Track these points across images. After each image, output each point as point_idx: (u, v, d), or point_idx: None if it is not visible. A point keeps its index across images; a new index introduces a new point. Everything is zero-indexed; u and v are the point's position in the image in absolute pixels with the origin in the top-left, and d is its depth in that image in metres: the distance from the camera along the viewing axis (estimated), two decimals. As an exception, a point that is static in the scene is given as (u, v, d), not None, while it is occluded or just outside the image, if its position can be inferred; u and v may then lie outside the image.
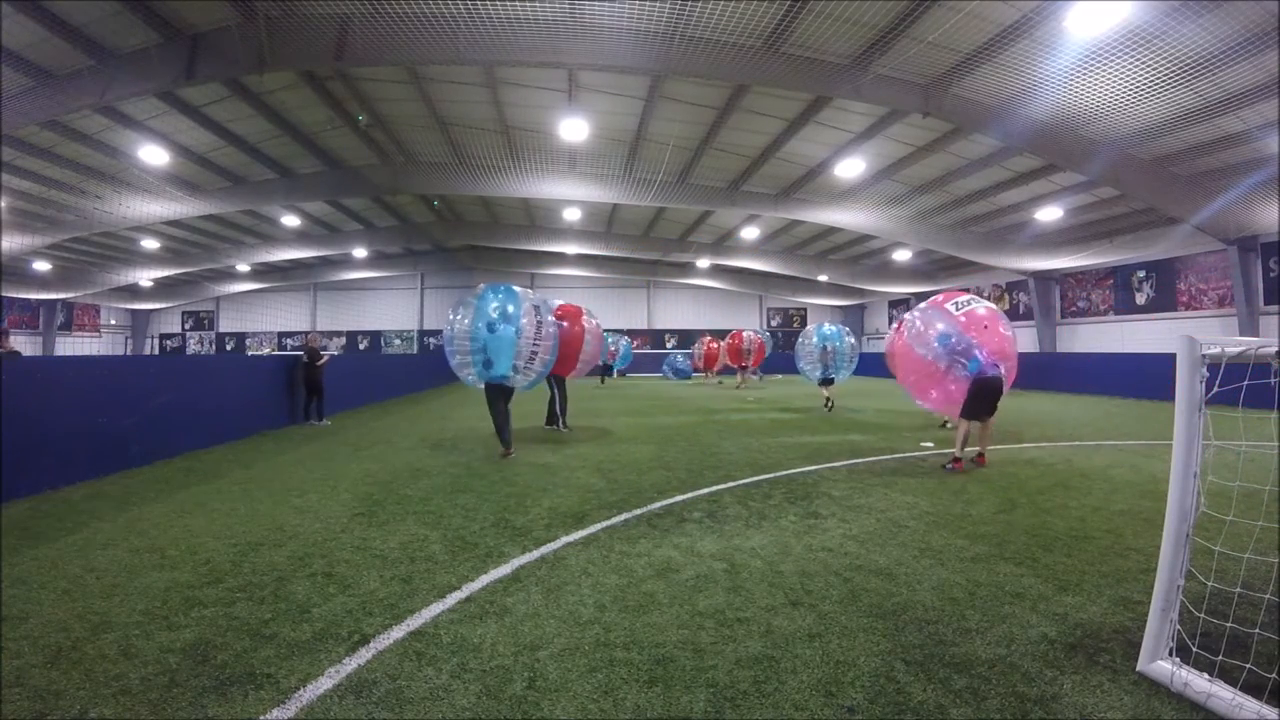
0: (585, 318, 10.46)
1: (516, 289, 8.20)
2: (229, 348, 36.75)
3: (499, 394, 7.86)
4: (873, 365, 31.96)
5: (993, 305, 7.59)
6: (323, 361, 11.50)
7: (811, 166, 15.92)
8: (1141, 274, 20.34)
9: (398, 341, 36.28)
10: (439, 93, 13.15)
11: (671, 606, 3.33)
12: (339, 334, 36.42)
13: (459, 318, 7.97)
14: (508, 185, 17.08)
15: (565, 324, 9.58)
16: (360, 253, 29.05)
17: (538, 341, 7.90)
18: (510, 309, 7.79)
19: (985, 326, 7.23)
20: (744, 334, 24.54)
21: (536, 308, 8.15)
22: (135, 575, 3.74)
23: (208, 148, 15.20)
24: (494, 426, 7.96)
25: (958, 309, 7.43)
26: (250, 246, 25.97)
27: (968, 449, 7.28)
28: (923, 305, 8.00)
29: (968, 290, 7.78)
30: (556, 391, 10.44)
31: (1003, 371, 7.19)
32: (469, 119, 14.38)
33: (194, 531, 4.65)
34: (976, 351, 7.13)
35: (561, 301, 10.65)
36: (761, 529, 4.77)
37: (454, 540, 4.46)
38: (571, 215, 22.72)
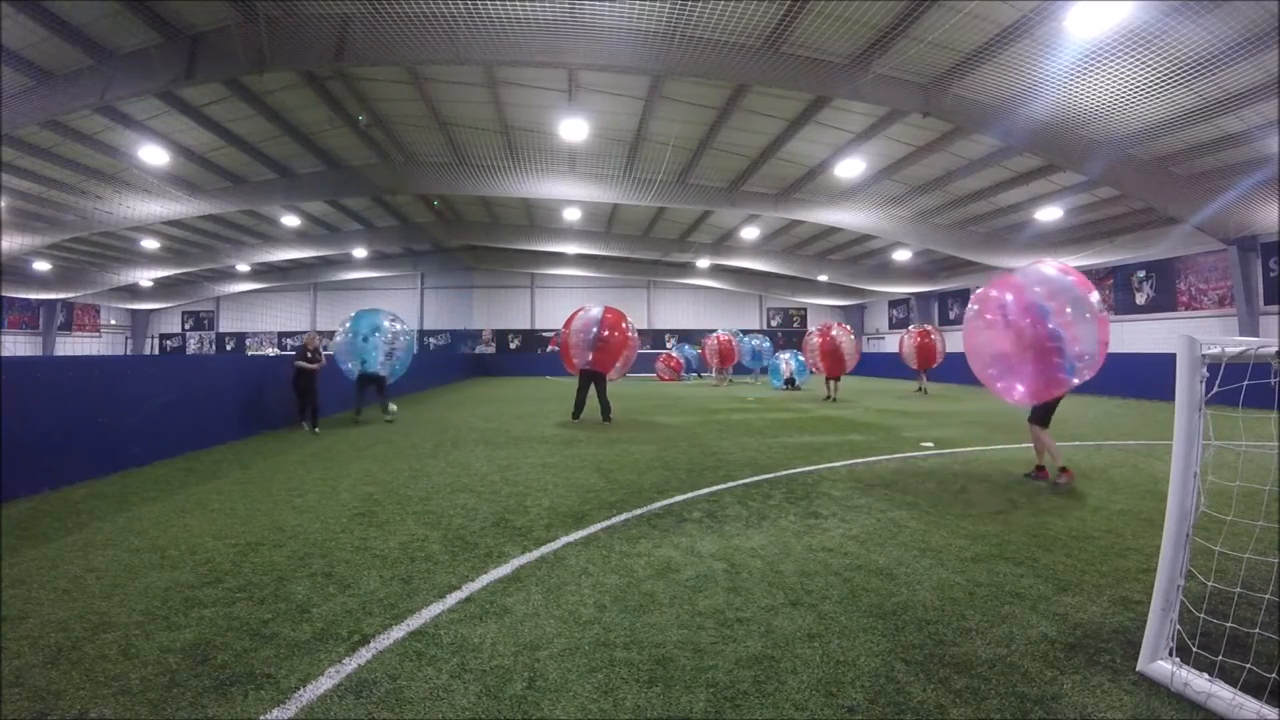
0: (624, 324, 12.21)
1: (379, 311, 12.46)
2: (229, 348, 36.75)
3: (369, 380, 11.88)
4: (873, 365, 32.11)
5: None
6: (320, 365, 10.61)
7: (811, 166, 15.91)
8: (1141, 274, 20.34)
9: (398, 341, 36.25)
10: (439, 92, 13.15)
11: (671, 606, 3.33)
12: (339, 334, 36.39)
13: (340, 335, 12.11)
14: (508, 185, 17.08)
15: (609, 333, 11.92)
16: (360, 253, 29.05)
17: (393, 346, 12.15)
18: (375, 326, 11.97)
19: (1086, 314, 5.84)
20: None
21: (393, 322, 12.37)
22: (135, 575, 3.74)
23: (207, 148, 15.20)
24: (355, 401, 12.00)
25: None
26: (250, 246, 25.97)
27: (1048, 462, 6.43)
28: (1040, 269, 6.35)
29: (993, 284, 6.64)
30: (597, 389, 11.85)
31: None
32: (469, 119, 14.38)
33: (194, 531, 4.65)
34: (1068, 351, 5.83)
35: (604, 306, 12.46)
36: (761, 529, 4.77)
37: (454, 540, 4.46)
38: (571, 215, 22.72)
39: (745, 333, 28.81)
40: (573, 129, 13.65)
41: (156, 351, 37.04)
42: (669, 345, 33.67)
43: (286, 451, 8.35)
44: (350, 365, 11.88)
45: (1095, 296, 6.01)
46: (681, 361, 28.96)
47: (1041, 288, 6.03)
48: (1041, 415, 6.36)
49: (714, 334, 25.89)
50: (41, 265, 26.19)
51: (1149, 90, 9.88)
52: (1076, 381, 5.88)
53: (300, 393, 10.47)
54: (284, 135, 14.81)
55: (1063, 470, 6.25)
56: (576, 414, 11.92)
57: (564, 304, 34.73)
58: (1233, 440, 2.73)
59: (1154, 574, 2.68)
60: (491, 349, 36.30)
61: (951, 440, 9.27)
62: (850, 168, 15.32)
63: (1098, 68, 9.48)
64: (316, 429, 10.38)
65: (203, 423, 8.66)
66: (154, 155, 14.36)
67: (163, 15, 9.82)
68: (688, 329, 35.85)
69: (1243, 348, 2.43)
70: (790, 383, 21.31)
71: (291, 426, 10.77)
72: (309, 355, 10.52)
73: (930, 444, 8.87)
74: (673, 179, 16.88)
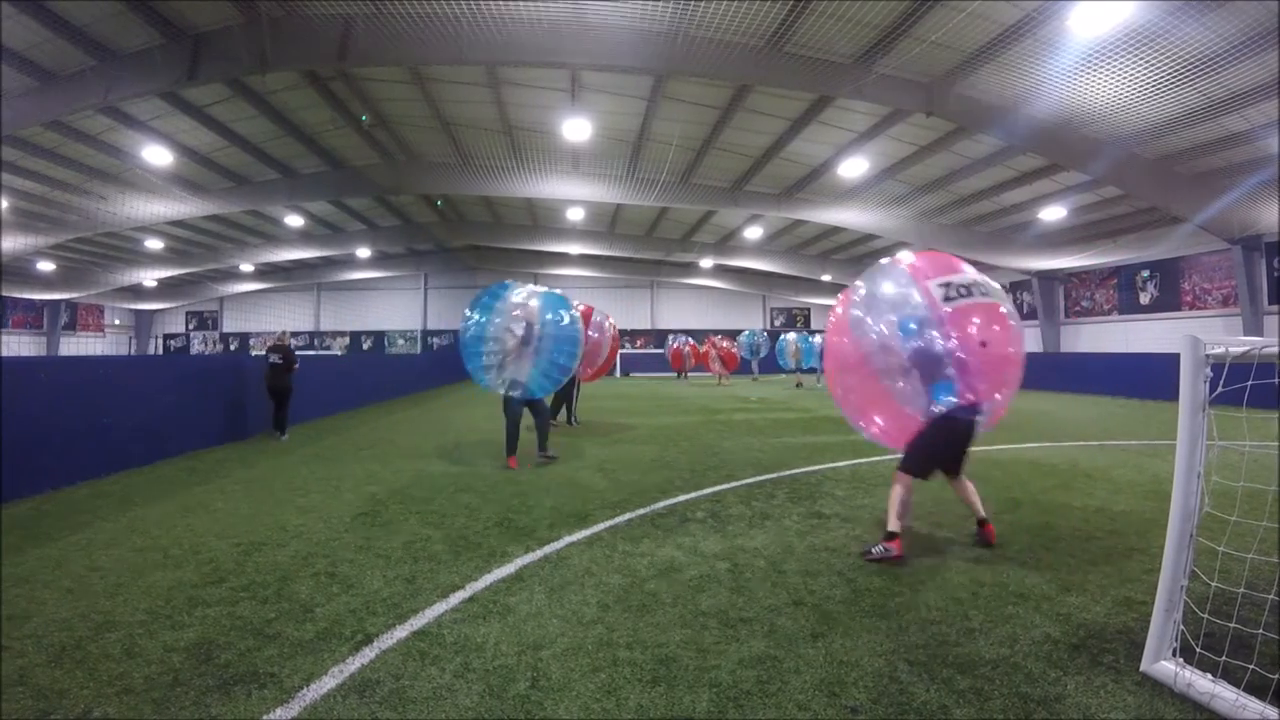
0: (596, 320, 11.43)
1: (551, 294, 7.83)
2: (233, 348, 36.85)
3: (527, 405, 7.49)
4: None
5: (1007, 302, 4.56)
6: (295, 366, 9.68)
7: (814, 166, 15.89)
8: (1145, 274, 20.28)
9: (401, 341, 36.32)
10: (442, 93, 13.16)
11: (674, 606, 3.33)
12: (343, 334, 36.49)
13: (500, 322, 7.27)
14: (511, 185, 17.09)
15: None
16: (363, 253, 29.09)
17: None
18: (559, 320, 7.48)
19: (983, 342, 4.26)
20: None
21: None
22: (138, 574, 3.75)
23: (211, 148, 15.23)
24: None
25: (950, 294, 4.32)
26: (254, 246, 26.02)
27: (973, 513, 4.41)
28: (885, 264, 4.83)
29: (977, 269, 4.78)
30: (574, 390, 11.36)
31: (984, 413, 4.26)
32: (472, 119, 14.38)
33: (197, 531, 4.66)
34: (952, 371, 4.17)
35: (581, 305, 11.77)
36: (764, 529, 4.77)
37: (457, 540, 4.46)
38: (575, 215, 22.73)
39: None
40: (576, 129, 13.65)
41: (160, 351, 37.16)
42: (671, 342, 33.66)
43: (289, 451, 8.37)
44: (499, 377, 7.20)
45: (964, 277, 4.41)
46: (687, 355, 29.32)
47: (861, 308, 4.67)
48: (915, 464, 4.23)
49: (717, 338, 26.57)
50: (45, 265, 26.27)
51: (1152, 89, 9.84)
52: (956, 401, 4.11)
53: (278, 396, 9.53)
54: (287, 135, 14.83)
55: (888, 538, 4.01)
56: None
57: (566, 304, 34.71)
58: (1237, 440, 2.72)
59: (1157, 574, 2.67)
60: (494, 349, 36.33)
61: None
62: (853, 167, 15.29)
63: (1101, 67, 9.44)
64: (285, 435, 9.47)
65: (205, 422, 8.68)
66: (157, 155, 14.40)
67: (165, 15, 9.83)
68: (691, 329, 35.81)
69: (1247, 348, 2.43)
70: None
71: (266, 434, 9.68)
72: (286, 357, 9.56)
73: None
74: (676, 179, 16.87)
